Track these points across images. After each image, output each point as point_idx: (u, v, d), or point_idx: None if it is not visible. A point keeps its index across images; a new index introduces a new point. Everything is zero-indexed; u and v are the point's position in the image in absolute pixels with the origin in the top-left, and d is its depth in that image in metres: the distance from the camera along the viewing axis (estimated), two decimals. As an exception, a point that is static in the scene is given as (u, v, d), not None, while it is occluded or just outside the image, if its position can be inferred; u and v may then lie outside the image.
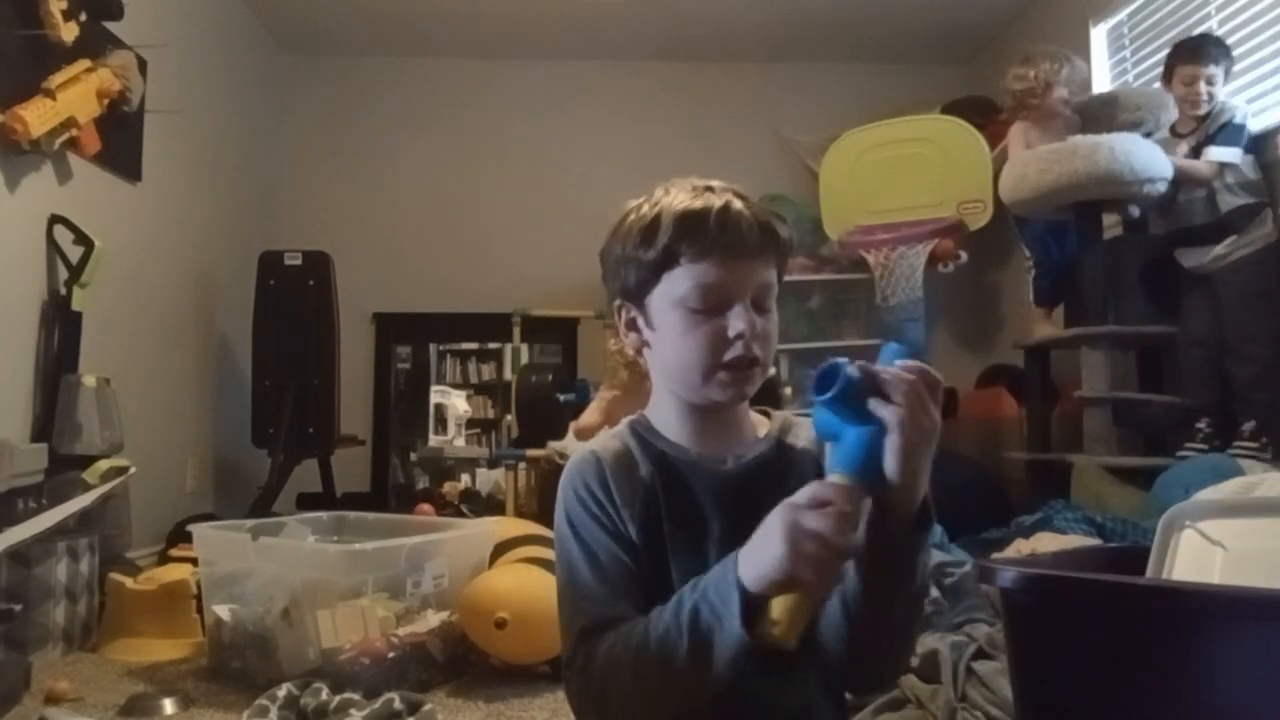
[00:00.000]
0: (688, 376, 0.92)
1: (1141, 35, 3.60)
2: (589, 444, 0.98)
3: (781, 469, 0.94)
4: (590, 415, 2.83)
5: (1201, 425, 2.77)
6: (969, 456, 3.75)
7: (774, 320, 0.92)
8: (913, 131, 3.60)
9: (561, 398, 3.45)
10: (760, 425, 1.00)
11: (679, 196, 0.91)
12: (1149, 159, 2.88)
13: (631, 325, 0.96)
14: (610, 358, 2.71)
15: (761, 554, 0.75)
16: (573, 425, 2.91)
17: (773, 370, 0.96)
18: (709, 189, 0.91)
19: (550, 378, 3.52)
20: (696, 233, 0.88)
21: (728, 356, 0.89)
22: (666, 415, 0.97)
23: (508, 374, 4.07)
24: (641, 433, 0.97)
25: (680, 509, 0.92)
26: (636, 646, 0.81)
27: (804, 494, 0.75)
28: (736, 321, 0.88)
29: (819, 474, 0.89)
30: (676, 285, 0.90)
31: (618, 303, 0.97)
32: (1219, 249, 2.76)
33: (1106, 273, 3.10)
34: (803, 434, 0.98)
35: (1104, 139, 2.94)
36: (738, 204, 0.90)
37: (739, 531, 0.86)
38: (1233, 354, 2.75)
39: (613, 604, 0.87)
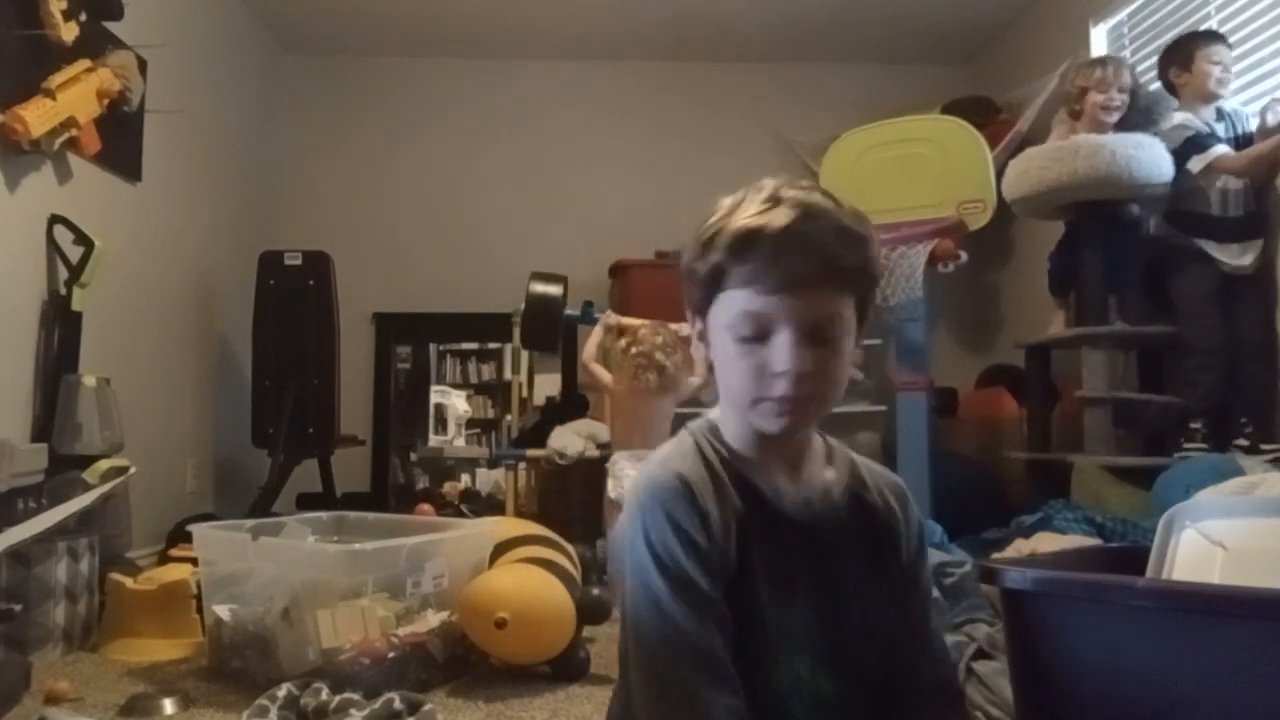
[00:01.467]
0: (737, 404, 0.88)
1: (1141, 35, 3.59)
2: (664, 465, 0.89)
3: (857, 525, 0.93)
4: (589, 350, 2.85)
5: (1197, 425, 2.73)
6: (969, 456, 3.76)
7: (840, 350, 0.85)
8: (913, 131, 3.59)
9: (567, 312, 3.46)
10: (824, 447, 0.96)
11: (749, 207, 0.84)
12: (1151, 163, 2.87)
13: (701, 337, 0.92)
14: (629, 359, 2.68)
15: None
16: (583, 356, 2.94)
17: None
18: (780, 200, 0.84)
19: (561, 289, 3.50)
20: (746, 257, 0.82)
21: (770, 393, 0.84)
22: (734, 432, 0.92)
23: (508, 374, 4.07)
24: (719, 449, 0.91)
25: (768, 548, 0.87)
26: None
27: None
28: (779, 358, 0.83)
29: (890, 534, 0.92)
30: (726, 309, 0.85)
31: (690, 311, 0.92)
32: (1250, 253, 2.73)
33: (1108, 272, 3.10)
34: (873, 485, 0.95)
35: (1106, 140, 2.93)
36: (805, 225, 0.82)
37: (819, 583, 0.88)
38: (1254, 355, 2.72)
39: (710, 640, 0.81)
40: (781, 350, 0.82)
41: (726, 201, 0.88)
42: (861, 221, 0.86)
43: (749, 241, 0.82)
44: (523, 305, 3.50)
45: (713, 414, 0.95)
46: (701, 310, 0.90)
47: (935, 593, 1.84)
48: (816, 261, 0.82)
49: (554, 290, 3.47)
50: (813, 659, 0.88)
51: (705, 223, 0.88)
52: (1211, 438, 2.69)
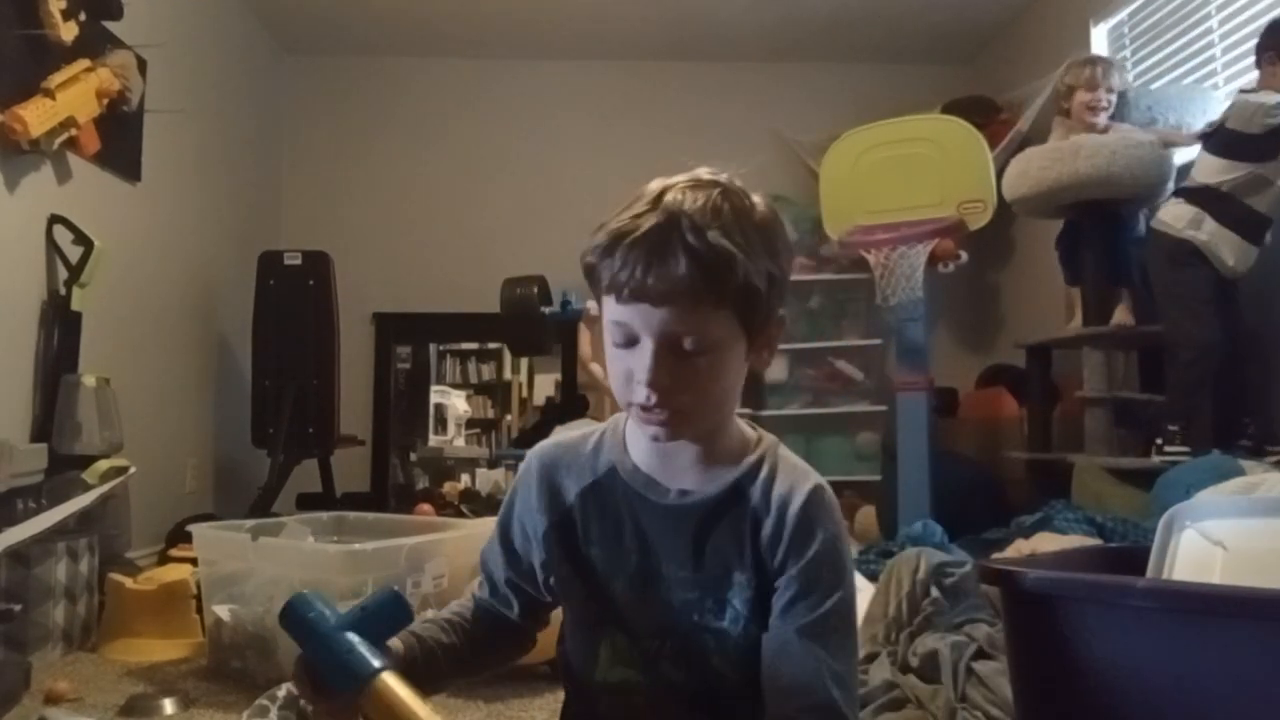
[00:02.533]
0: (623, 408, 0.89)
1: (1141, 35, 3.59)
2: (560, 438, 1.00)
3: (717, 521, 0.89)
4: (584, 350, 2.80)
5: (1175, 428, 2.66)
6: (969, 456, 3.75)
7: (712, 366, 0.82)
8: (913, 131, 3.59)
9: (546, 311, 3.38)
10: (745, 449, 0.92)
11: (632, 207, 0.82)
12: (1151, 164, 2.87)
13: None
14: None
15: None
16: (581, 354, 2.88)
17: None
18: (659, 204, 0.81)
19: (535, 290, 3.41)
20: (609, 263, 0.80)
21: (633, 399, 0.83)
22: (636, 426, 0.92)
23: (507, 374, 4.06)
24: (609, 438, 0.96)
25: (603, 533, 0.93)
26: None
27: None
28: (639, 366, 0.81)
29: (753, 536, 0.88)
30: (605, 311, 0.84)
31: None
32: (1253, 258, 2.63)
33: (1108, 271, 3.10)
34: (767, 481, 0.89)
35: (1108, 140, 2.93)
36: (664, 236, 0.78)
37: (663, 567, 0.90)
38: (1251, 357, 2.68)
39: (489, 573, 1.02)
40: (641, 359, 0.81)
41: (636, 193, 0.85)
42: (746, 231, 0.81)
43: (611, 247, 0.80)
44: (500, 311, 3.42)
45: None
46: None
47: (935, 592, 1.82)
48: (668, 276, 0.78)
49: (527, 291, 3.39)
50: (630, 639, 0.92)
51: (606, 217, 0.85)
52: (1191, 440, 2.62)
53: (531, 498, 0.96)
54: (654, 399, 0.81)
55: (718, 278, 0.78)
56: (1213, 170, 2.69)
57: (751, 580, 0.88)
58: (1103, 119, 3.07)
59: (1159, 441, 2.71)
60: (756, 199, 0.86)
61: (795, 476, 0.90)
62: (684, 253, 0.77)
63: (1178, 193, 2.79)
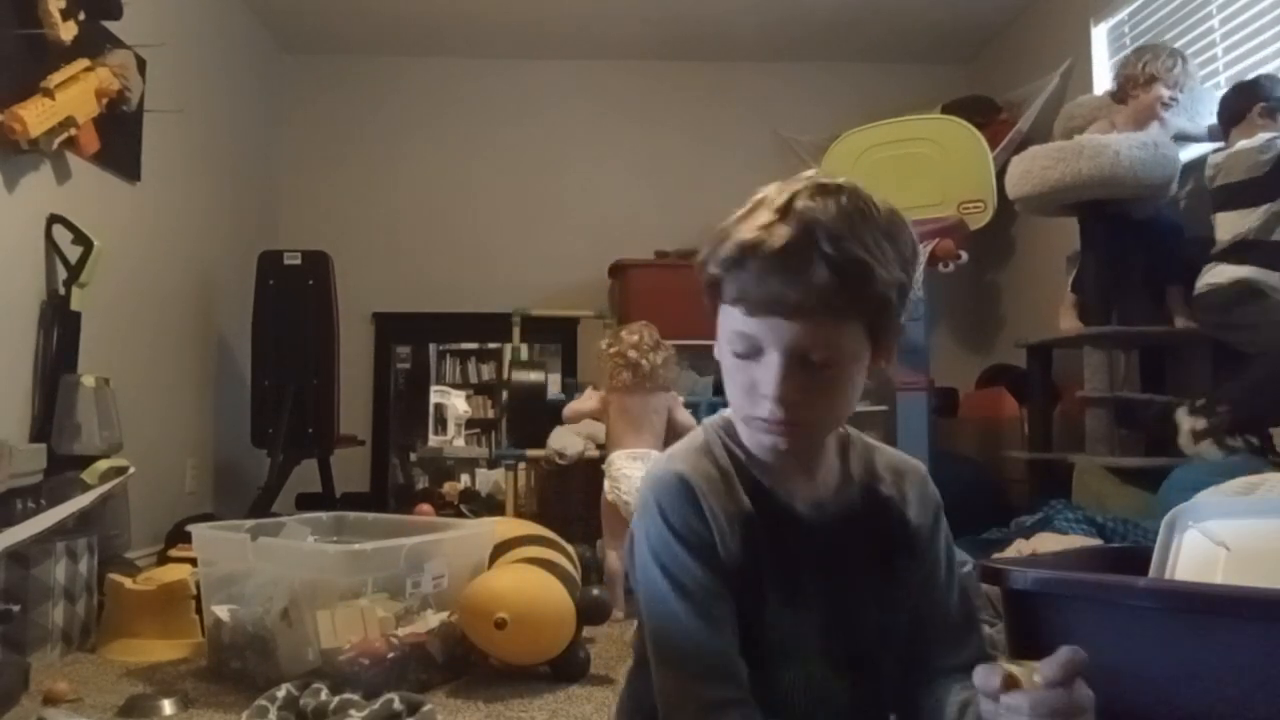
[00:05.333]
0: (735, 416, 0.87)
1: (1141, 35, 3.58)
2: (668, 463, 0.89)
3: (871, 524, 0.90)
4: (584, 402, 2.79)
5: (1204, 426, 2.56)
6: (969, 456, 3.75)
7: (839, 379, 0.81)
8: (913, 131, 3.60)
9: (549, 399, 3.43)
10: (836, 449, 0.93)
11: (758, 217, 0.79)
12: (1154, 164, 2.86)
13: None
14: (607, 359, 2.69)
15: None
16: (565, 411, 2.88)
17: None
18: (790, 211, 0.78)
19: (544, 377, 3.47)
20: (738, 274, 0.79)
21: (757, 412, 0.82)
22: (745, 431, 0.89)
23: (507, 374, 4.05)
24: (731, 447, 0.89)
25: (778, 549, 0.86)
26: None
27: None
28: (766, 379, 0.79)
29: (904, 529, 0.90)
30: (724, 321, 0.83)
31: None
32: None
33: (1110, 271, 3.09)
34: (887, 475, 0.93)
35: (1111, 140, 2.92)
36: (800, 247, 0.75)
37: (832, 585, 0.86)
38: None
39: (714, 640, 0.81)
40: (768, 373, 0.79)
41: (755, 198, 0.83)
42: (878, 240, 0.77)
43: (742, 258, 0.78)
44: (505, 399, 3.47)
45: (730, 410, 0.91)
46: (714, 315, 0.87)
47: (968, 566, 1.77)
48: (805, 289, 0.76)
49: (540, 381, 3.42)
50: (824, 660, 0.87)
51: (722, 223, 0.83)
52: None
53: (704, 518, 0.84)
54: (780, 414, 0.79)
55: (854, 291, 0.76)
56: (1233, 224, 2.58)
57: (914, 571, 0.91)
58: (1168, 115, 3.02)
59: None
60: (880, 202, 0.81)
61: (898, 458, 0.96)
62: (823, 265, 0.75)
63: (1220, 258, 2.61)
